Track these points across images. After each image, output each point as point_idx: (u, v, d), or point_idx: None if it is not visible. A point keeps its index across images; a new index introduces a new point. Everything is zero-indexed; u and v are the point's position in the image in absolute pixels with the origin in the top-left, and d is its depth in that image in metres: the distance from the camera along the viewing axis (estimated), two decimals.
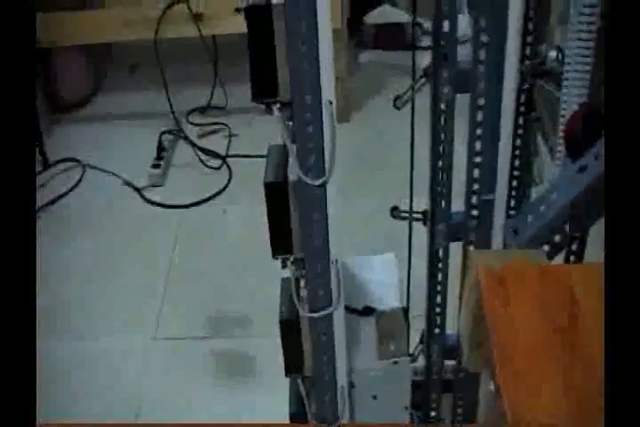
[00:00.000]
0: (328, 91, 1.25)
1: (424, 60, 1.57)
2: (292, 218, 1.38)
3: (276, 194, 1.35)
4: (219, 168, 3.15)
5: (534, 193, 1.56)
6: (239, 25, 3.15)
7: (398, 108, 1.40)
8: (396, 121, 2.94)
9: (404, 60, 3.59)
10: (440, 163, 1.44)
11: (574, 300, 1.00)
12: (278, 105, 1.26)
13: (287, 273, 1.49)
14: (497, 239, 1.53)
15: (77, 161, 3.21)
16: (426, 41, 3.62)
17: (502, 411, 0.90)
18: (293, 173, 1.32)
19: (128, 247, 2.83)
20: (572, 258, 1.39)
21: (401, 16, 3.65)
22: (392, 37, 3.69)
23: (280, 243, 1.41)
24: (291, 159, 1.33)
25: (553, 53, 1.53)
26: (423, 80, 1.38)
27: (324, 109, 1.26)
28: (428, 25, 3.65)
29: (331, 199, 1.35)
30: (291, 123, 1.28)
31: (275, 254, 1.43)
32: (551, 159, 2.24)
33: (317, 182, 1.31)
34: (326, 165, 1.31)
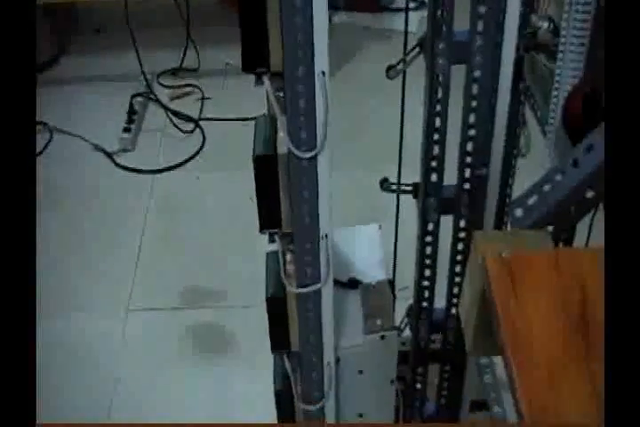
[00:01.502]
0: (321, 61, 1.21)
1: (401, 24, 1.52)
2: (282, 192, 1.33)
3: (266, 167, 1.30)
4: (191, 132, 3.09)
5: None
6: None
7: (390, 79, 1.35)
8: (372, 86, 2.92)
9: (378, 22, 3.59)
10: (435, 136, 1.40)
11: (585, 285, 0.97)
12: (269, 75, 1.21)
13: (266, 246, 1.46)
14: (489, 214, 1.50)
15: (44, 124, 3.12)
16: (400, 3, 3.60)
17: (516, 399, 0.88)
18: (283, 145, 1.27)
19: (98, 215, 2.76)
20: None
21: None
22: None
23: (268, 217, 1.36)
24: (281, 132, 1.28)
25: (545, 24, 1.48)
26: (417, 51, 1.33)
27: (316, 81, 1.21)
28: None
29: (322, 173, 1.30)
30: (281, 94, 1.23)
31: (262, 229, 1.38)
32: (541, 131, 2.22)
33: (308, 155, 1.27)
34: (318, 138, 1.26)
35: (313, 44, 1.17)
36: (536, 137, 2.50)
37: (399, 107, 1.51)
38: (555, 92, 1.61)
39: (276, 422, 1.69)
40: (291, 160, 1.28)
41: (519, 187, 1.48)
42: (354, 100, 3.03)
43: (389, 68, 1.34)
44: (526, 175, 1.54)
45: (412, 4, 3.43)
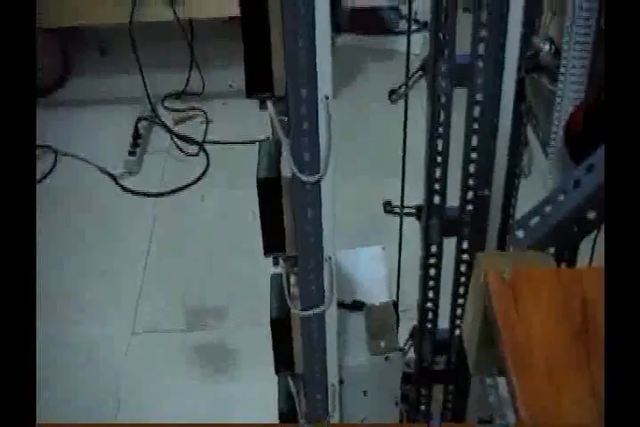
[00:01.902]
0: (325, 85, 1.22)
1: (403, 45, 1.53)
2: (286, 215, 1.34)
3: (270, 191, 1.31)
4: (196, 155, 3.10)
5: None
6: (216, 8, 3.12)
7: (393, 102, 1.37)
8: (374, 106, 2.94)
9: (381, 43, 3.61)
10: (438, 158, 1.41)
11: (586, 302, 0.98)
12: (273, 100, 1.22)
13: (271, 267, 1.47)
14: (492, 235, 1.51)
15: (49, 147, 3.14)
16: (403, 25, 3.62)
17: (516, 407, 0.88)
18: (287, 169, 1.29)
19: (104, 237, 2.77)
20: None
21: (378, 0, 3.61)
22: (369, 21, 3.65)
23: (273, 241, 1.37)
24: (284, 155, 1.29)
25: (546, 46, 1.50)
26: (420, 73, 1.34)
27: (320, 105, 1.22)
28: (404, 8, 3.64)
29: (325, 196, 1.31)
30: (285, 118, 1.25)
31: (267, 252, 1.39)
32: (543, 152, 2.23)
33: (312, 179, 1.28)
34: (322, 162, 1.27)
35: (316, 68, 1.19)
36: (538, 157, 2.52)
37: (402, 123, 1.53)
38: (556, 113, 1.63)
39: None
40: (294, 184, 1.29)
41: (522, 207, 1.49)
42: (357, 120, 3.05)
43: (392, 92, 1.36)
44: (529, 195, 1.55)
45: (414, 26, 3.45)
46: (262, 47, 1.17)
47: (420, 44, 2.50)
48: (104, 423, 2.18)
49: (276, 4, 1.12)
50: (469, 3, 1.30)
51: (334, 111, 1.24)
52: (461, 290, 1.59)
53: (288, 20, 1.14)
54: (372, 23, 3.66)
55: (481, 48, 1.32)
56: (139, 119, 3.20)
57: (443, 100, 1.35)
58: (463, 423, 1.79)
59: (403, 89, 1.34)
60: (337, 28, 3.67)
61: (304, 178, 1.27)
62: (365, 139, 3.02)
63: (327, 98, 1.21)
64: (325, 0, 1.12)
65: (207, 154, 3.09)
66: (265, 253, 1.39)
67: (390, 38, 3.59)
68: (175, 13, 3.07)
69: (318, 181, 1.28)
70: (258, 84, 1.21)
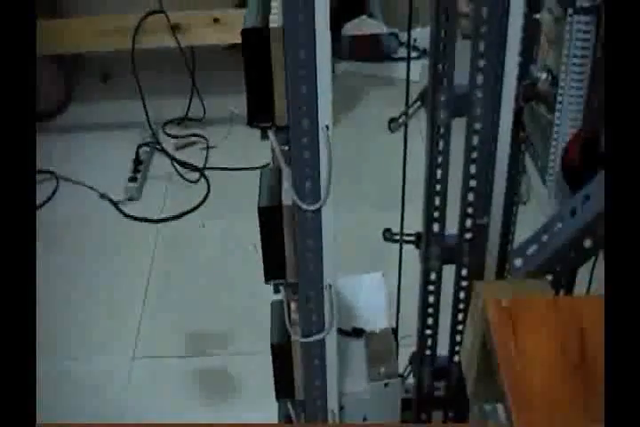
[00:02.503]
0: (325, 115, 1.24)
1: (403, 71, 1.55)
2: (286, 242, 1.35)
3: (271, 219, 1.33)
4: (196, 181, 3.12)
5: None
6: (217, 36, 3.14)
7: (392, 131, 1.38)
8: (374, 133, 2.96)
9: (381, 70, 3.64)
10: (437, 187, 1.43)
11: (584, 332, 0.99)
12: (274, 129, 1.24)
13: (271, 294, 1.48)
14: (491, 262, 1.52)
15: (51, 173, 3.16)
16: (403, 52, 3.65)
17: None
18: (288, 197, 1.30)
19: (104, 263, 2.78)
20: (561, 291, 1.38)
21: (378, 27, 3.64)
22: (369, 48, 3.68)
23: (273, 268, 1.38)
24: (285, 184, 1.30)
25: (544, 75, 1.52)
26: (418, 104, 1.36)
27: (320, 134, 1.24)
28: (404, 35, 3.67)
29: (326, 224, 1.33)
30: (286, 147, 1.26)
31: (267, 279, 1.40)
32: (541, 179, 2.25)
33: (313, 207, 1.29)
34: (322, 191, 1.29)
35: (317, 98, 1.20)
36: (536, 184, 2.54)
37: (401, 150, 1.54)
38: (554, 142, 1.64)
39: None
40: (295, 212, 1.30)
41: (521, 233, 1.51)
42: (357, 147, 3.07)
43: (391, 120, 1.38)
44: (527, 222, 1.57)
45: (414, 53, 3.48)
46: (264, 78, 1.18)
47: (419, 70, 2.52)
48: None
49: (278, 36, 1.13)
50: (469, 30, 1.33)
51: (334, 138, 1.26)
52: (460, 317, 1.60)
53: (289, 52, 1.16)
54: (372, 50, 3.69)
55: (479, 78, 1.34)
56: (140, 145, 3.22)
57: (442, 130, 1.37)
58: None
59: (402, 119, 1.36)
60: (337, 55, 3.70)
61: (305, 206, 1.29)
62: (365, 166, 3.03)
63: (327, 127, 1.22)
64: (326, 32, 1.14)
65: (208, 180, 3.11)
66: (265, 280, 1.40)
67: (390, 65, 3.62)
68: (177, 40, 3.10)
69: (319, 210, 1.30)
70: (259, 114, 1.23)
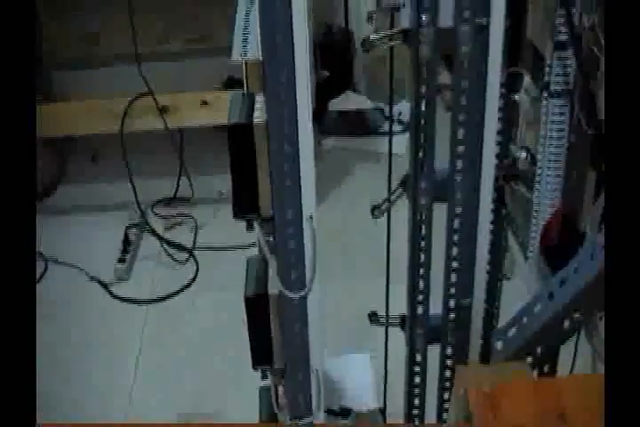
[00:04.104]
0: (309, 206, 1.27)
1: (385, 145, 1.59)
2: (273, 330, 1.38)
3: (257, 307, 1.36)
4: (185, 261, 3.14)
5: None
6: (205, 118, 3.19)
7: (376, 218, 1.42)
8: (359, 210, 2.98)
9: (367, 145, 3.68)
10: (420, 270, 1.45)
11: (565, 418, 1.01)
12: (259, 221, 1.27)
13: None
14: (475, 341, 1.54)
15: (40, 254, 3.17)
16: (387, 126, 3.70)
17: None
18: (274, 286, 1.33)
19: (94, 345, 2.78)
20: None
21: (363, 102, 3.71)
22: (354, 123, 3.74)
23: (260, 355, 1.41)
24: (271, 273, 1.33)
25: (523, 154, 1.56)
26: (400, 190, 1.40)
27: (305, 224, 1.27)
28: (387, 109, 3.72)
29: (312, 310, 1.35)
30: (271, 238, 1.30)
31: (255, 366, 1.42)
32: (523, 257, 2.28)
33: (299, 295, 1.32)
34: (307, 278, 1.31)
35: (301, 189, 1.24)
36: (520, 259, 2.57)
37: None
38: (534, 220, 1.68)
39: None
40: (281, 300, 1.33)
41: (507, 308, 1.53)
42: (342, 225, 3.11)
43: (374, 208, 1.41)
44: (514, 296, 1.59)
45: (399, 127, 3.54)
46: (249, 171, 1.22)
47: (404, 145, 2.56)
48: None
49: (262, 132, 1.17)
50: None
51: (320, 217, 1.29)
52: (446, 395, 1.62)
53: (273, 146, 1.19)
54: (358, 125, 3.75)
55: (459, 163, 1.38)
56: (129, 226, 3.25)
57: (424, 215, 1.41)
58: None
59: (385, 205, 1.39)
60: (324, 130, 3.76)
61: (291, 295, 1.31)
62: (350, 244, 3.07)
63: (312, 217, 1.26)
64: (308, 125, 1.18)
65: (197, 260, 3.13)
66: (253, 367, 1.42)
67: (376, 139, 3.67)
68: (165, 123, 3.15)
69: (304, 297, 1.32)
70: (245, 206, 1.26)
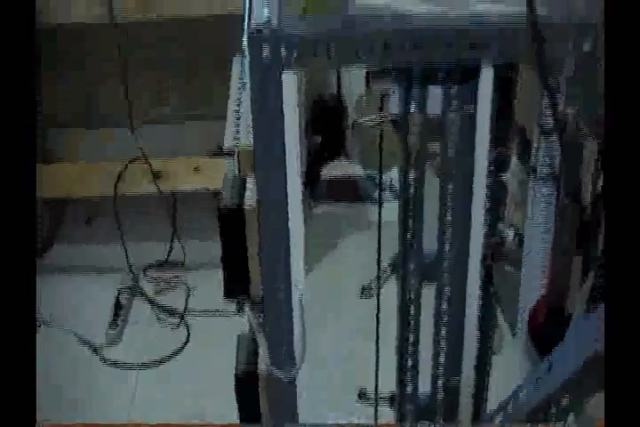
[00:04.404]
0: (299, 285, 1.29)
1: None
2: (262, 409, 1.39)
3: (247, 386, 1.37)
4: (177, 326, 3.14)
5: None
6: (198, 183, 3.21)
7: (366, 298, 1.44)
8: (348, 281, 2.98)
9: (358, 212, 3.70)
10: (409, 349, 1.47)
11: None
12: (250, 302, 1.29)
13: None
14: (465, 420, 1.55)
15: None
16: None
17: None
18: (264, 366, 1.34)
19: (84, 409, 2.77)
20: None
21: (354, 170, 3.73)
22: (346, 191, 3.76)
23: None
24: (261, 351, 1.34)
25: (511, 234, 1.58)
26: (389, 271, 1.42)
27: (294, 304, 1.29)
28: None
29: (301, 389, 1.37)
30: (261, 318, 1.31)
31: None
32: (511, 335, 2.28)
33: (288, 375, 1.33)
34: (297, 357, 1.33)
35: (291, 273, 1.26)
36: (508, 335, 2.57)
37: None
38: (521, 301, 1.68)
39: None
40: (271, 379, 1.34)
41: (496, 383, 1.54)
42: (331, 297, 3.11)
43: (364, 289, 1.43)
44: (501, 371, 1.60)
45: (390, 195, 3.55)
46: (239, 253, 1.24)
47: (396, 212, 2.58)
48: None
49: (253, 217, 1.20)
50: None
51: (308, 288, 1.30)
52: None
53: (264, 231, 1.22)
54: (350, 193, 3.77)
55: (447, 246, 1.40)
56: (120, 289, 3.26)
57: (412, 296, 1.42)
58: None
59: (374, 286, 1.41)
60: (316, 197, 3.78)
61: (280, 374, 1.32)
62: (337, 324, 3.07)
63: (301, 301, 1.27)
64: (298, 203, 1.20)
65: (187, 325, 3.13)
66: None
67: (367, 207, 3.69)
68: (158, 188, 3.17)
69: (294, 377, 1.34)
70: (235, 289, 1.28)
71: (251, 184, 1.25)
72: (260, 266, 1.26)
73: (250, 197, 1.23)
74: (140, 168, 3.19)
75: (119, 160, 3.23)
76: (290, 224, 1.21)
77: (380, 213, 1.67)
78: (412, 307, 1.43)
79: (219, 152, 3.41)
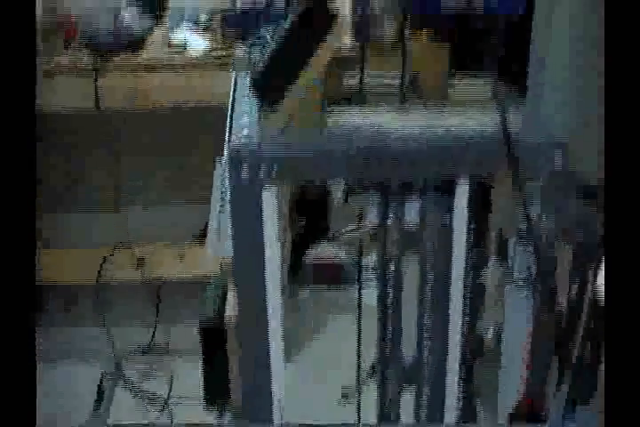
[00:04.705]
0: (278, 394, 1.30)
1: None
2: None
3: None
4: (160, 411, 3.12)
5: None
6: (182, 270, 3.22)
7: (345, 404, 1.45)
8: (333, 362, 2.98)
9: (342, 296, 3.69)
10: None
11: None
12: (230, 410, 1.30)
13: None
14: None
15: None
16: (363, 277, 3.72)
17: None
18: None
19: None
20: None
21: (338, 254, 3.75)
22: (330, 275, 3.77)
23: None
24: None
25: (490, 333, 1.59)
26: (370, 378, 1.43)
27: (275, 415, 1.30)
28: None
29: None
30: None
31: None
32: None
33: None
34: None
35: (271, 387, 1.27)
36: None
37: None
38: (500, 401, 1.70)
39: None
40: None
41: None
42: (324, 376, 3.10)
43: (343, 396, 1.44)
44: None
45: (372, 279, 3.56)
46: (220, 367, 1.25)
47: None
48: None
49: (234, 334, 1.21)
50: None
51: (292, 374, 1.30)
52: None
53: (245, 347, 1.23)
54: (333, 276, 3.78)
55: (425, 351, 1.42)
56: (103, 375, 3.24)
57: (391, 400, 1.43)
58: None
59: (354, 394, 1.42)
60: (298, 281, 3.79)
61: None
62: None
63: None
64: (279, 328, 1.22)
65: (171, 412, 3.11)
66: None
67: (350, 291, 3.69)
68: (142, 274, 3.18)
69: None
70: (216, 396, 1.29)
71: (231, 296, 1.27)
72: (240, 376, 1.27)
73: (230, 312, 1.24)
74: (124, 255, 3.21)
75: (104, 243, 3.25)
76: (269, 337, 1.22)
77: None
78: (392, 414, 1.43)
79: (203, 236, 3.45)
